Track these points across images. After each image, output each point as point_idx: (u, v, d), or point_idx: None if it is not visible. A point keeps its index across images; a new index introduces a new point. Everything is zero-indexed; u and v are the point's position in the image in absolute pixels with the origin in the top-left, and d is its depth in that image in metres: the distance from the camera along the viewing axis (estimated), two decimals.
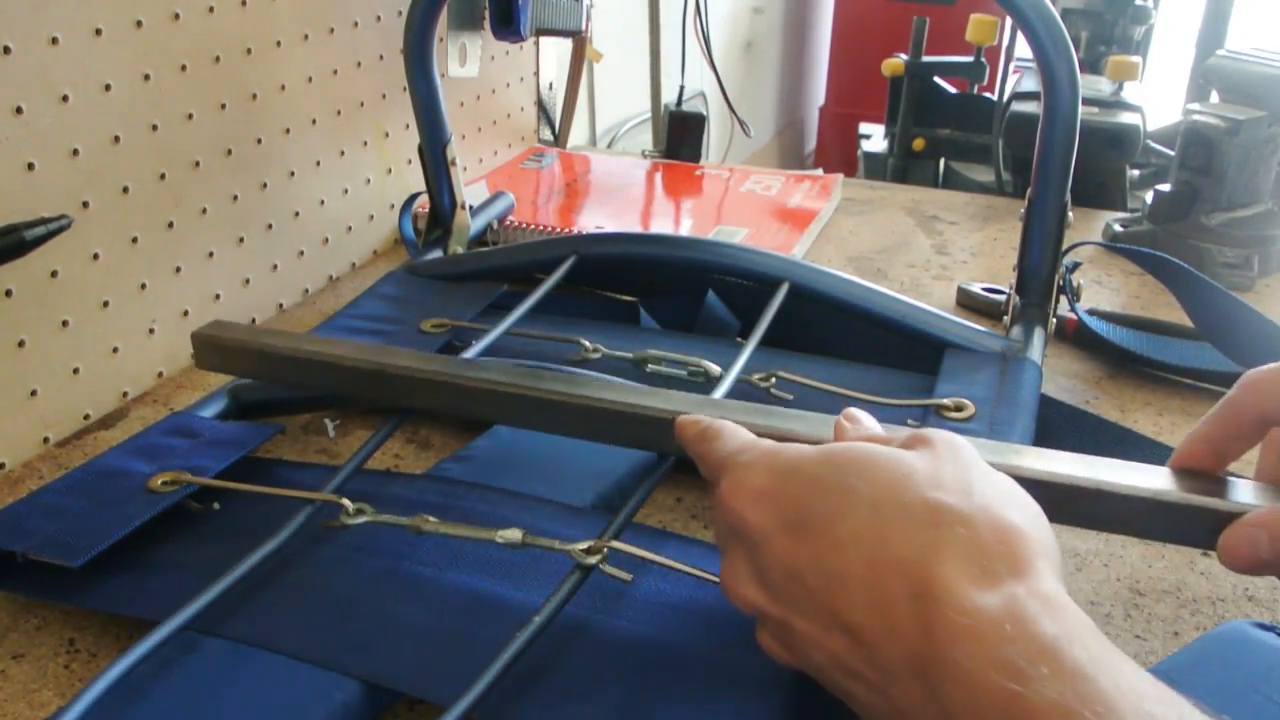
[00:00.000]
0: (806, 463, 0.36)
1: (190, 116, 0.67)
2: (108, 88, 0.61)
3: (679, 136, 1.13)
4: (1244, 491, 0.40)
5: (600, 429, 0.49)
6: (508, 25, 0.79)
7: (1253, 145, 0.84)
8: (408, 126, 0.88)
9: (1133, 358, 0.71)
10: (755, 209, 0.97)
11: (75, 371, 0.62)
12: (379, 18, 0.84)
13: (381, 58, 0.85)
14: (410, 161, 0.89)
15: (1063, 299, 0.70)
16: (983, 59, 1.74)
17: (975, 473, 0.35)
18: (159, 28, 0.64)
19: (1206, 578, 0.52)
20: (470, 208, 0.83)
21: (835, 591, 0.33)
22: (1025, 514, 0.34)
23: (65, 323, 0.61)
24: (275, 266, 0.78)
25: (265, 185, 0.75)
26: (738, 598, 0.37)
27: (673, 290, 0.72)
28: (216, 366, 0.59)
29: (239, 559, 0.44)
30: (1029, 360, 0.62)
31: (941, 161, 1.84)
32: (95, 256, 0.62)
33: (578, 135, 1.27)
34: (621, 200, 0.99)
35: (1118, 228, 0.93)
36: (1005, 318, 0.69)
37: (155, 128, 0.65)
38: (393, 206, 0.90)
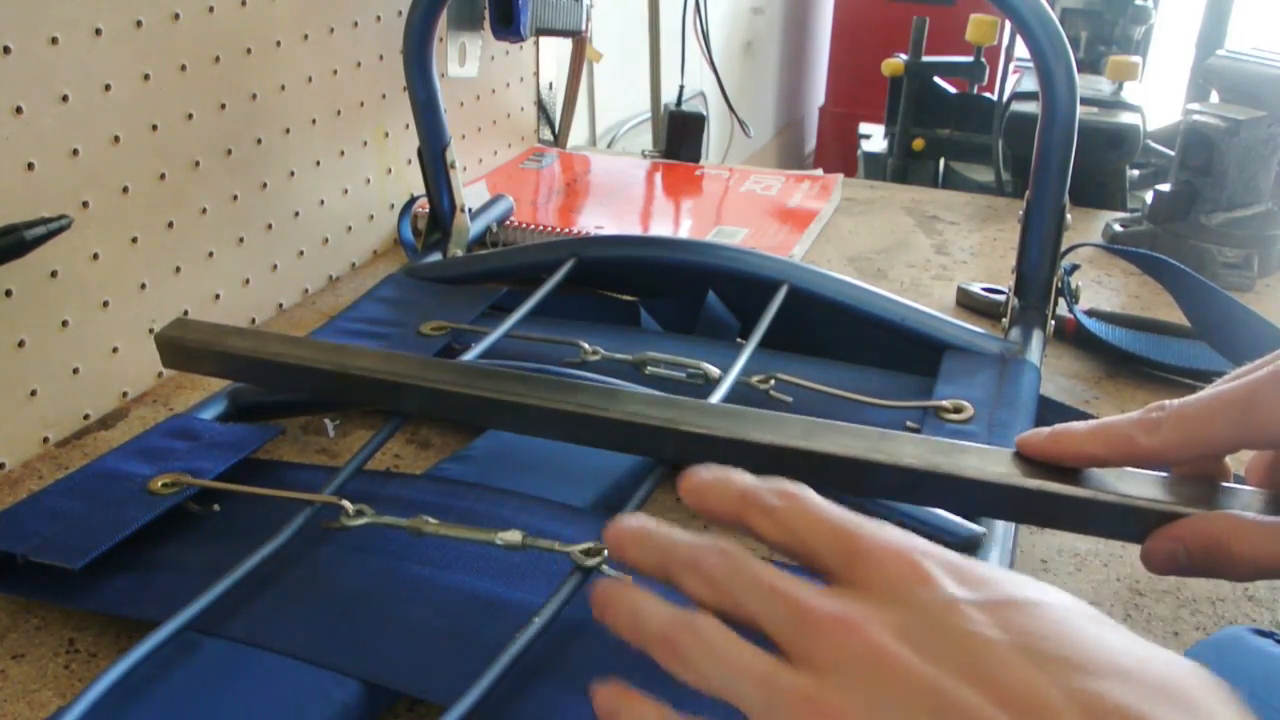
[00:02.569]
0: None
1: (190, 116, 0.67)
2: (108, 88, 0.61)
3: (679, 136, 1.13)
4: (1174, 490, 0.40)
5: (589, 435, 0.49)
6: (508, 25, 0.79)
7: (1253, 145, 0.85)
8: (408, 126, 0.88)
9: (1131, 358, 0.71)
10: (755, 209, 0.97)
11: (75, 371, 0.62)
12: (379, 18, 0.84)
13: (381, 58, 0.85)
14: (410, 161, 0.89)
15: (1061, 300, 0.70)
16: (983, 59, 1.74)
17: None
18: (159, 28, 0.64)
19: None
20: (470, 210, 0.84)
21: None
22: None
23: (65, 323, 0.61)
24: (275, 266, 0.78)
25: (265, 185, 0.75)
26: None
27: (673, 291, 0.72)
28: (183, 366, 0.59)
29: (239, 560, 0.44)
30: (1028, 362, 0.62)
31: (941, 161, 1.84)
32: (95, 256, 0.62)
33: (577, 135, 1.27)
34: (621, 200, 0.99)
35: (1118, 228, 0.93)
36: (1004, 319, 0.69)
37: (155, 128, 0.65)
38: (393, 206, 0.90)
